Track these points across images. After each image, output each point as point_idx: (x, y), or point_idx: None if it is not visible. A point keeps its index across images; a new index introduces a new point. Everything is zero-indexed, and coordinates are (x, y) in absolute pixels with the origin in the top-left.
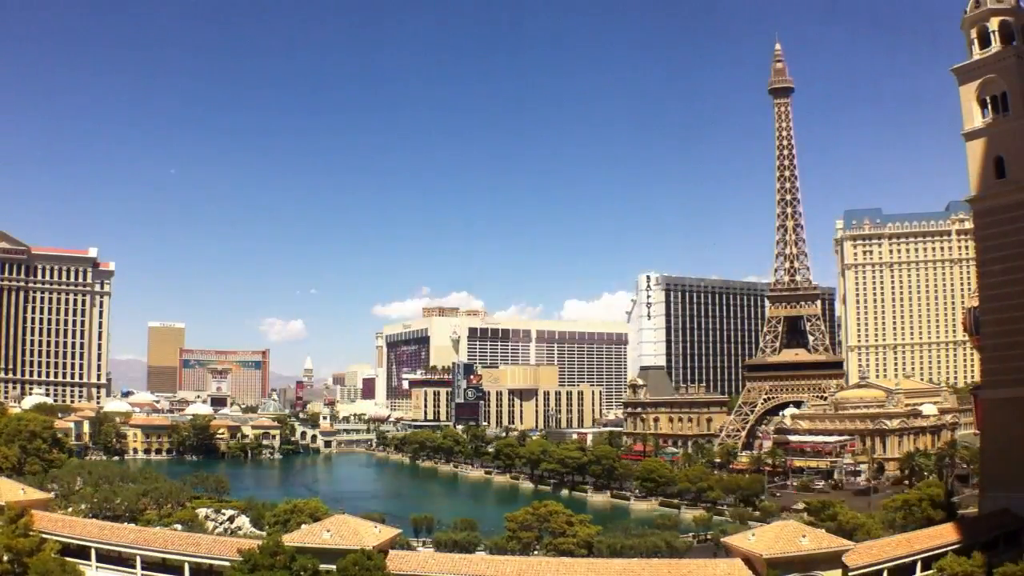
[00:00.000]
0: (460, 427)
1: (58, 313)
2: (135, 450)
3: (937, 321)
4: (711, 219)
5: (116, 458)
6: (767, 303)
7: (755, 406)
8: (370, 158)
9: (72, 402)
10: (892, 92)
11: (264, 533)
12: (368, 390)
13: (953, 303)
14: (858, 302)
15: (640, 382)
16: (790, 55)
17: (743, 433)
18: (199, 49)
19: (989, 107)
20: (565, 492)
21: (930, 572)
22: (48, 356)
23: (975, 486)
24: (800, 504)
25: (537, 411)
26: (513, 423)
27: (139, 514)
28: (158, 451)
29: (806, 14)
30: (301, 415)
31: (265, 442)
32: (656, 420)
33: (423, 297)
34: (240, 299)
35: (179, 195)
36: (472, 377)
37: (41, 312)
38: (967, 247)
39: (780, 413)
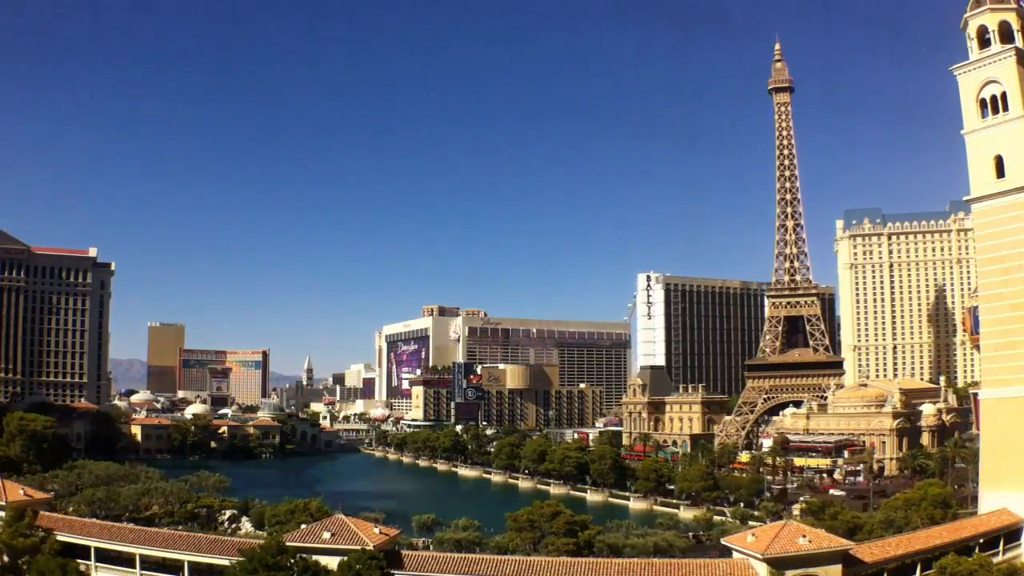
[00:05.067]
0: (460, 427)
1: (58, 313)
2: (135, 450)
3: (937, 321)
4: (711, 219)
5: (116, 458)
6: (767, 303)
7: (755, 406)
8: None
9: (72, 402)
10: (892, 92)
11: (264, 533)
12: (368, 390)
13: (953, 303)
14: (858, 302)
15: (640, 382)
16: (790, 55)
17: (743, 433)
18: (200, 54)
19: (989, 106)
20: (564, 491)
21: (930, 572)
22: (48, 356)
23: (975, 486)
24: (800, 504)
25: (537, 411)
26: (513, 423)
27: (139, 514)
28: (159, 451)
29: (806, 14)
30: (301, 415)
31: (265, 442)
32: (656, 420)
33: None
34: (240, 299)
35: (179, 195)
36: (472, 377)
37: (41, 312)
38: (967, 247)
39: (780, 413)
